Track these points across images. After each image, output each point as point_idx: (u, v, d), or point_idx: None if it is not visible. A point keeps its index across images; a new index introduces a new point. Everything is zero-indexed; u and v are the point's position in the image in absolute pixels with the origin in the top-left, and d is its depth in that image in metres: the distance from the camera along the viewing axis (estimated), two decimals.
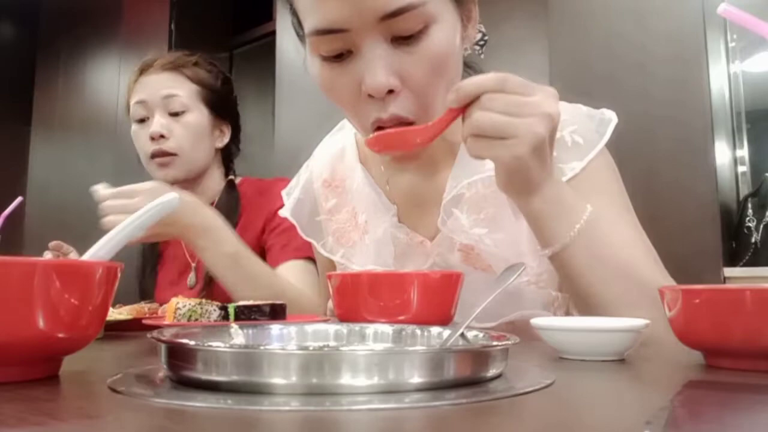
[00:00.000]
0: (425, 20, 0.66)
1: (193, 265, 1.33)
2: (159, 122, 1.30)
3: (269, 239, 1.29)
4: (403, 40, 0.67)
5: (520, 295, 0.80)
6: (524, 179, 0.64)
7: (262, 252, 1.28)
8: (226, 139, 1.40)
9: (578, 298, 0.71)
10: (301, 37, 0.75)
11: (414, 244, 0.86)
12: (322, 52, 0.70)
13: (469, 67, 0.84)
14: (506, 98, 0.61)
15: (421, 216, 0.87)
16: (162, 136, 1.29)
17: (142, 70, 1.34)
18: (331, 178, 0.95)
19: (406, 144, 0.66)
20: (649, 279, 0.70)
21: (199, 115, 1.34)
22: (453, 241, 0.83)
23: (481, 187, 0.82)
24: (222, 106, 1.39)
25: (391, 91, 0.68)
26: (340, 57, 0.69)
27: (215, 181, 1.41)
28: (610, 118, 0.82)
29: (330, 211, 0.94)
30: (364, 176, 0.90)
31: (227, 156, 1.44)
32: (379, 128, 0.70)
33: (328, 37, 0.67)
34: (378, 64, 0.66)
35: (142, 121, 1.33)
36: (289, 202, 1.00)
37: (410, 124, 0.70)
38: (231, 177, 1.40)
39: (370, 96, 0.68)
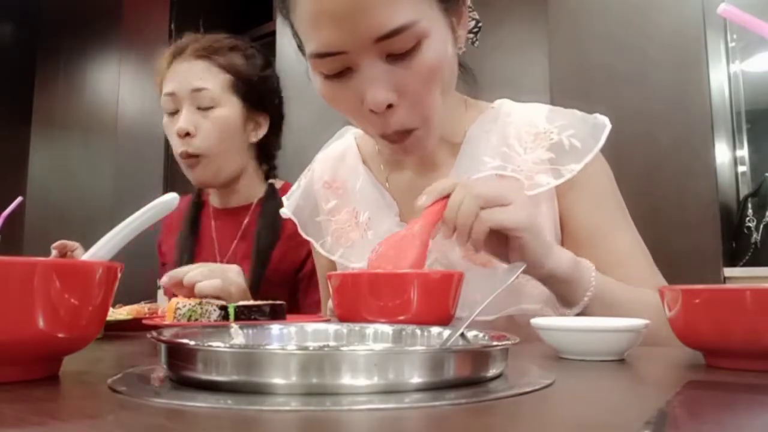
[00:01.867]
0: (417, 37, 0.69)
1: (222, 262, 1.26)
2: (186, 118, 1.21)
3: (309, 285, 1.22)
4: (398, 57, 0.70)
5: (519, 289, 0.80)
6: (541, 239, 0.67)
7: (294, 278, 1.23)
8: (262, 132, 1.29)
9: None
10: (302, 51, 0.78)
11: None
12: (323, 71, 0.73)
13: (463, 67, 0.86)
14: (479, 179, 0.68)
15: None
16: (188, 134, 1.21)
17: (174, 55, 1.24)
18: (332, 180, 0.97)
19: (402, 259, 0.69)
20: (651, 298, 0.71)
21: (230, 109, 1.23)
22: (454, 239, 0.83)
23: None
24: (259, 96, 1.27)
25: (390, 105, 0.71)
26: (340, 75, 0.72)
27: (253, 180, 1.31)
28: (603, 123, 0.84)
29: (330, 211, 0.95)
30: (367, 176, 0.92)
31: (267, 152, 1.34)
32: (386, 138, 0.75)
33: (329, 59, 0.70)
34: (377, 82, 0.70)
35: (172, 114, 1.24)
36: (290, 203, 1.00)
37: (412, 131, 0.75)
38: (272, 181, 1.30)
39: (371, 110, 0.72)
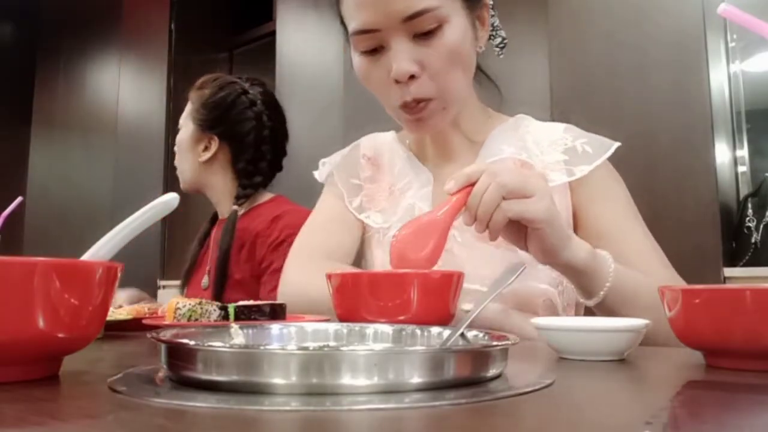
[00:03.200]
0: (439, 21, 0.82)
1: (208, 268, 1.44)
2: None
3: (264, 274, 1.36)
4: (422, 37, 0.83)
5: (531, 265, 0.80)
6: (560, 231, 0.69)
7: (257, 283, 1.37)
8: (209, 153, 1.46)
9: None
10: (348, 40, 0.90)
11: None
12: (361, 48, 0.86)
13: (483, 72, 0.97)
14: (505, 167, 0.69)
15: (444, 196, 0.90)
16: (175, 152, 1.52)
17: None
18: (374, 157, 1.06)
19: (423, 243, 0.69)
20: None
21: (185, 132, 1.49)
22: None
23: None
24: (206, 119, 1.46)
25: (412, 77, 0.83)
26: (374, 52, 0.86)
27: (229, 198, 1.47)
28: (613, 142, 0.91)
29: (365, 179, 1.04)
30: (407, 155, 1.01)
31: (237, 175, 1.48)
32: (406, 107, 0.86)
33: (365, 36, 0.84)
34: (402, 56, 0.83)
35: None
36: (324, 169, 1.09)
37: (429, 101, 0.85)
38: (235, 207, 1.43)
39: (396, 82, 0.84)
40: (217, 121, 1.46)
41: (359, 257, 1.01)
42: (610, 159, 0.90)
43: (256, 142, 1.46)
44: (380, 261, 0.95)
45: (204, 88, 1.49)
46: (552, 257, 0.70)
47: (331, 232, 1.00)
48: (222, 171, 1.48)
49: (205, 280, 1.44)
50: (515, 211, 0.66)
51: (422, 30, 0.82)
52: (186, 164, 1.49)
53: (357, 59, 0.89)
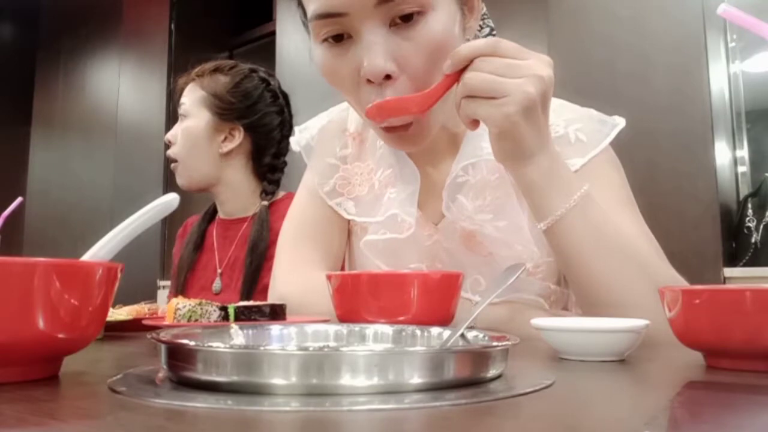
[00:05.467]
0: (422, 5, 0.68)
1: (219, 271, 1.38)
2: (171, 130, 1.41)
3: None
4: (401, 25, 0.68)
5: (517, 285, 0.79)
6: (517, 143, 0.65)
7: None
8: (234, 143, 1.38)
9: (575, 278, 0.70)
10: (306, 26, 0.77)
11: (419, 225, 0.85)
12: (323, 36, 0.71)
13: None
14: (498, 60, 0.63)
15: (426, 202, 0.87)
16: (170, 142, 1.40)
17: (185, 82, 1.45)
18: (358, 132, 0.94)
19: (404, 111, 0.68)
20: (648, 258, 0.70)
21: (197, 120, 1.37)
22: (455, 228, 0.83)
23: (485, 173, 0.82)
24: (228, 108, 1.37)
25: (388, 77, 0.69)
26: (340, 39, 0.71)
27: (243, 195, 1.40)
28: (617, 122, 0.85)
29: (342, 158, 0.94)
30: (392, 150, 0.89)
31: (259, 170, 1.42)
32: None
33: (329, 21, 0.69)
34: (376, 49, 0.68)
35: None
36: (302, 136, 0.99)
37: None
38: (265, 202, 1.37)
39: (369, 81, 0.70)
40: (246, 112, 1.38)
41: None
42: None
43: (282, 136, 1.42)
44: (360, 268, 0.88)
45: (218, 73, 1.39)
46: (500, 160, 0.68)
47: (314, 240, 0.90)
48: (242, 164, 1.40)
49: (217, 284, 1.36)
50: (467, 111, 0.64)
51: (401, 13, 0.68)
52: (199, 156, 1.37)
53: (318, 50, 0.73)
